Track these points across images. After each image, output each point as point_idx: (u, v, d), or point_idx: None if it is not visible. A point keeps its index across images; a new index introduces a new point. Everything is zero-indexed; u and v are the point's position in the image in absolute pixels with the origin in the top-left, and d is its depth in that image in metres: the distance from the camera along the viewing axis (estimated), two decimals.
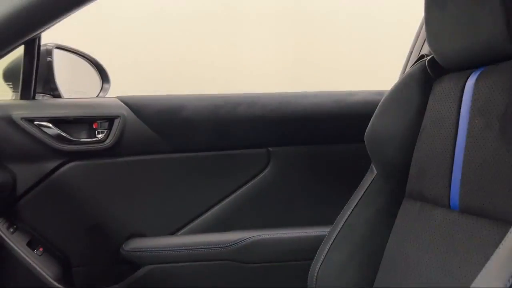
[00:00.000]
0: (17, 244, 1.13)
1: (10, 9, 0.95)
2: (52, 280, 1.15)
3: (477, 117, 0.76)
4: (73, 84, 1.38)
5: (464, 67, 0.84)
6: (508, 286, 0.48)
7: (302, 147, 1.36)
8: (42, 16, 1.00)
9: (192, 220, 1.32)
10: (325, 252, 1.06)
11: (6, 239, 1.11)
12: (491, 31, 0.71)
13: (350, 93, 1.35)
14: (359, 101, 1.30)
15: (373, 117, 1.05)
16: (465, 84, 0.78)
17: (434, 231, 0.81)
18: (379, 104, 1.04)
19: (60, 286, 1.16)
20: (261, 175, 1.35)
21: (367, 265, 1.05)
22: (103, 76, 1.40)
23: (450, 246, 0.77)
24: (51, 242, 1.21)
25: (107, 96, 1.38)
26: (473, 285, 0.54)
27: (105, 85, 1.40)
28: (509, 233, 0.55)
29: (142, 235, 1.28)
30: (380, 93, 1.20)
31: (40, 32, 1.11)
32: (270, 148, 1.34)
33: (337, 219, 1.07)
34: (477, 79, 0.76)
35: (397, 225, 0.95)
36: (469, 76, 0.78)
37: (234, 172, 1.34)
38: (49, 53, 1.24)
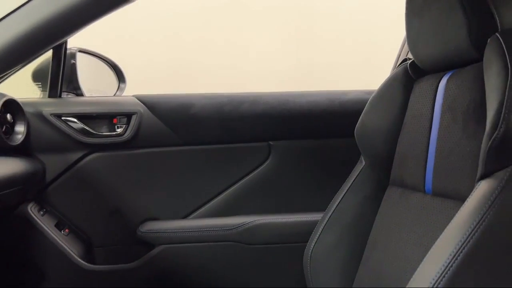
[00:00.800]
0: (47, 225, 1.25)
1: (40, 20, 1.07)
2: (77, 258, 1.27)
3: (446, 113, 0.86)
4: (93, 84, 1.48)
5: (438, 70, 0.95)
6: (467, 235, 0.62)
7: (299, 141, 1.44)
8: (69, 25, 1.11)
9: (200, 206, 1.41)
10: (318, 234, 1.16)
11: (38, 220, 1.24)
12: (457, 39, 0.80)
13: (343, 92, 1.43)
14: (351, 99, 1.39)
15: (362, 114, 1.15)
16: (438, 84, 0.89)
17: (412, 213, 0.90)
18: (368, 102, 1.14)
19: (84, 263, 1.28)
20: (263, 166, 1.43)
21: (355, 245, 1.14)
22: (120, 76, 1.52)
23: (424, 225, 0.86)
24: (75, 224, 1.32)
25: (123, 94, 1.49)
26: (437, 241, 0.67)
27: (122, 85, 1.51)
28: (466, 202, 0.68)
29: (156, 218, 1.37)
30: (369, 92, 1.27)
31: (67, 39, 1.22)
32: (270, 142, 1.42)
33: (329, 204, 1.15)
34: (447, 80, 0.87)
35: (381, 209, 1.06)
36: (442, 77, 0.88)
37: (238, 164, 1.43)
38: (73, 56, 1.35)
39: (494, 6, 0.77)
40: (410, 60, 1.08)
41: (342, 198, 1.17)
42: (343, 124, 1.29)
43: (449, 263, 0.62)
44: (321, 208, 1.20)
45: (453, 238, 0.64)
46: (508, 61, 0.70)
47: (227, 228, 1.35)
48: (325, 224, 1.16)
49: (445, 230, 0.68)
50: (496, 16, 0.78)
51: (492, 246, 0.64)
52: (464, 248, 0.62)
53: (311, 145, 1.45)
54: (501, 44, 0.71)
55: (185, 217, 1.41)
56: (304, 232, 1.22)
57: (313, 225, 1.18)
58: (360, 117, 1.15)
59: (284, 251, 1.34)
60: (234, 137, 1.42)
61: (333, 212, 1.16)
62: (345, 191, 1.17)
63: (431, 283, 0.64)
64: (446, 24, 0.82)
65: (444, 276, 0.62)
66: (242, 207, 1.42)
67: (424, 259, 0.67)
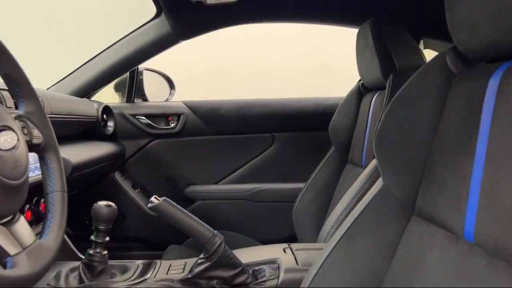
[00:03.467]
0: (126, 186, 1.74)
1: (122, 56, 1.57)
2: (144, 207, 1.72)
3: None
4: (154, 91, 1.89)
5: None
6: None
7: (294, 133, 1.82)
8: (138, 59, 1.61)
9: (225, 176, 1.83)
10: (301, 195, 1.55)
11: (121, 183, 1.73)
12: None
13: (325, 99, 1.81)
14: (331, 104, 1.74)
15: (334, 115, 1.55)
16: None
17: (354, 179, 1.18)
18: (337, 108, 1.54)
19: (150, 212, 1.58)
20: (268, 150, 1.83)
21: (323, 203, 1.50)
22: (171, 85, 1.92)
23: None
24: (143, 186, 1.80)
25: (173, 99, 1.91)
26: None
27: (172, 91, 1.92)
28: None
29: (195, 183, 1.81)
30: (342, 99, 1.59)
31: (138, 66, 1.72)
32: (274, 133, 1.82)
33: (309, 176, 1.56)
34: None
35: (340, 179, 1.49)
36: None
37: (250, 148, 1.82)
38: (140, 73, 1.81)
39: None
40: (360, 82, 1.48)
41: (317, 172, 1.56)
42: (324, 121, 1.60)
43: None
44: (305, 179, 1.59)
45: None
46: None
47: (242, 191, 1.78)
48: (305, 189, 1.56)
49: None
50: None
51: None
52: None
53: (301, 136, 1.83)
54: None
55: (215, 183, 1.84)
56: (293, 195, 1.61)
57: (299, 190, 1.58)
58: (332, 117, 1.56)
59: (280, 207, 1.74)
60: (248, 130, 1.82)
61: (311, 181, 1.55)
62: (320, 166, 1.56)
63: None
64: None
65: None
66: (253, 178, 1.82)
67: None
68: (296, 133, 1.83)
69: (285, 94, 1.89)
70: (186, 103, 1.81)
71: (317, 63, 2.83)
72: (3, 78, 0.69)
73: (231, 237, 1.01)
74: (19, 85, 0.70)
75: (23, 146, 0.62)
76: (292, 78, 2.80)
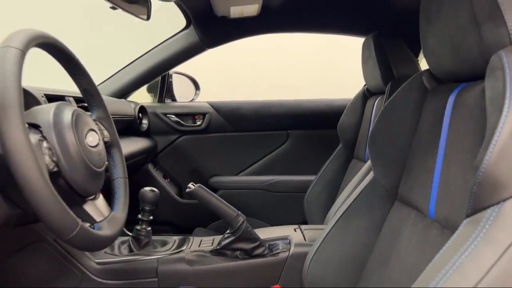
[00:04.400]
0: (158, 176, 1.94)
1: (154, 62, 1.76)
2: (174, 195, 1.93)
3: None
4: (181, 92, 2.08)
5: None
6: None
7: (306, 131, 1.97)
8: (168, 66, 1.79)
9: (245, 169, 2.00)
10: (311, 187, 1.72)
11: (153, 173, 1.92)
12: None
13: (335, 100, 1.96)
14: (339, 105, 1.89)
15: (342, 115, 1.71)
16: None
17: (358, 172, 1.23)
18: (345, 108, 1.70)
19: (178, 198, 1.93)
20: (283, 146, 1.98)
21: (331, 193, 1.66)
22: (196, 86, 2.13)
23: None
24: (172, 176, 2.00)
25: (198, 100, 2.09)
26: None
27: (197, 91, 2.12)
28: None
29: (219, 174, 1.99)
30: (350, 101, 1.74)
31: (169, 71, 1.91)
32: (288, 131, 1.97)
33: (319, 169, 1.73)
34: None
35: (346, 173, 1.64)
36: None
37: (267, 143, 1.98)
38: (170, 76, 2.02)
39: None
40: (365, 86, 1.65)
41: (326, 166, 1.72)
42: (333, 120, 1.75)
43: None
44: (315, 172, 1.75)
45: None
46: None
47: (259, 182, 1.95)
48: (315, 181, 1.72)
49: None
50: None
51: None
52: None
53: (313, 133, 1.98)
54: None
55: (235, 174, 2.01)
56: (304, 186, 1.77)
57: (309, 182, 1.74)
58: (341, 118, 1.72)
59: (292, 197, 1.91)
60: (266, 127, 1.98)
61: (320, 173, 1.72)
62: (329, 161, 1.72)
63: None
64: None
65: None
66: (269, 170, 1.99)
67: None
68: (308, 131, 2.00)
69: (300, 92, 2.05)
70: (210, 103, 1.99)
71: (331, 63, 2.98)
72: (82, 92, 0.92)
73: (249, 222, 1.12)
74: (93, 97, 0.93)
75: (102, 143, 0.85)
76: (307, 77, 2.96)
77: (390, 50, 1.44)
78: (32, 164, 0.59)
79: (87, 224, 0.71)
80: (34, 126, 0.72)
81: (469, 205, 0.54)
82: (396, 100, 0.87)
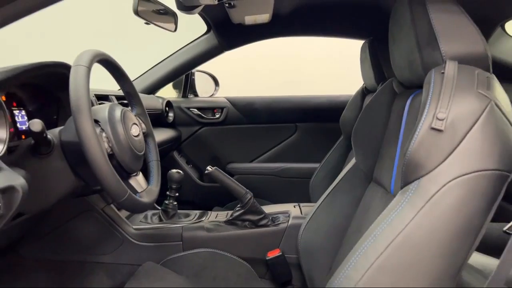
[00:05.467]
0: (182, 162, 2.18)
1: (180, 63, 1.98)
2: (196, 179, 2.17)
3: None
4: (203, 87, 2.30)
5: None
6: None
7: (312, 124, 2.17)
8: (191, 66, 2.02)
9: (257, 157, 2.20)
10: (316, 173, 1.93)
11: (178, 159, 2.16)
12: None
13: (337, 96, 2.14)
14: (341, 101, 2.06)
15: (344, 110, 1.92)
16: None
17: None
18: (347, 104, 1.92)
19: (200, 182, 2.16)
20: (292, 137, 2.17)
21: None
22: (216, 83, 2.33)
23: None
24: (194, 162, 2.24)
25: (217, 95, 2.31)
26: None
27: (217, 87, 2.33)
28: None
29: (235, 161, 2.20)
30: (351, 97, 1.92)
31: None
32: (297, 124, 2.16)
33: (323, 158, 1.95)
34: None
35: (346, 161, 1.84)
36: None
37: (278, 135, 2.17)
38: (192, 74, 2.25)
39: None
40: (364, 84, 1.85)
41: (329, 155, 1.93)
42: (336, 115, 1.93)
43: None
44: (319, 160, 1.96)
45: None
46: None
47: (271, 168, 2.16)
48: (319, 168, 1.93)
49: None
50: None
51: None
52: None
53: (318, 126, 2.18)
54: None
55: (249, 161, 2.23)
56: (310, 172, 1.97)
57: (314, 169, 1.95)
58: (343, 112, 1.92)
59: (299, 182, 2.11)
60: (276, 120, 2.18)
61: (324, 162, 1.93)
62: (331, 150, 1.93)
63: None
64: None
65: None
66: (279, 158, 2.19)
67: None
68: (314, 124, 2.19)
69: (311, 87, 2.19)
70: (228, 99, 2.20)
71: (341, 60, 3.11)
72: (125, 94, 1.19)
73: (260, 203, 1.30)
74: (134, 98, 1.20)
75: (141, 134, 1.12)
76: (318, 74, 3.13)
77: (382, 54, 1.61)
78: (98, 149, 0.85)
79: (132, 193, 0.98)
80: (95, 121, 0.99)
81: (401, 180, 0.72)
82: (373, 100, 1.06)
